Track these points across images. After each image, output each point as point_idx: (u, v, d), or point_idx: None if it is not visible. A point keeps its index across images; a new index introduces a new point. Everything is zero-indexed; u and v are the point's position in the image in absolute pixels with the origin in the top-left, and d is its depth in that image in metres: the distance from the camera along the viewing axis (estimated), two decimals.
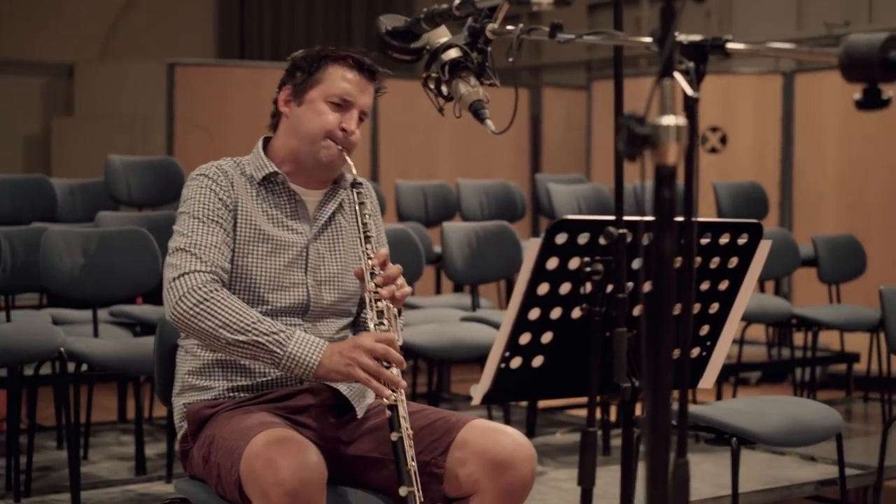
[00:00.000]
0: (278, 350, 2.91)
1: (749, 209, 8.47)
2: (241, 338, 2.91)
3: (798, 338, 7.47)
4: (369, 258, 3.07)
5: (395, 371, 2.92)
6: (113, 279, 5.19)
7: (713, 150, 9.51)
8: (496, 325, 5.58)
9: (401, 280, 3.08)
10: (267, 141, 3.25)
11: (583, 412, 6.74)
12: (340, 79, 3.14)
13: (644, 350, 1.80)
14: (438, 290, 8.11)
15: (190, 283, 2.96)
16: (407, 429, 2.87)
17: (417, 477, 2.84)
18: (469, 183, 8.51)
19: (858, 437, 6.41)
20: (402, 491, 2.80)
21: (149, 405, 6.45)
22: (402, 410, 2.88)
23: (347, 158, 3.15)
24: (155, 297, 6.55)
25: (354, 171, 3.17)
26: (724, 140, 9.52)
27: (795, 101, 9.49)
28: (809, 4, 11.12)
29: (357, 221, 3.16)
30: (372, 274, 3.04)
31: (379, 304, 3.02)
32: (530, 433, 6.04)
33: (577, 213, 7.80)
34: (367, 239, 3.10)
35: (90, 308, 5.28)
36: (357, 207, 3.16)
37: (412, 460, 2.84)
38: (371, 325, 3.00)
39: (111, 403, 6.73)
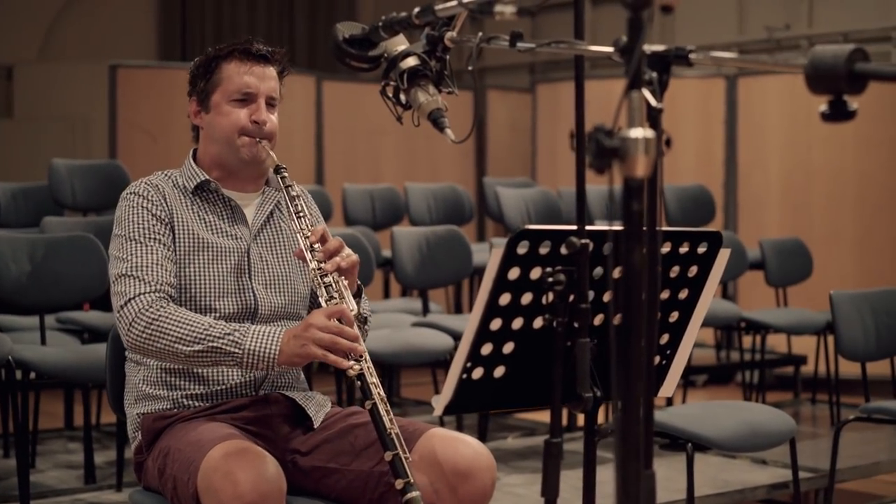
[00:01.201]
0: (236, 350, 2.88)
1: (695, 212, 8.51)
2: (198, 347, 2.88)
3: (746, 340, 7.52)
4: (306, 236, 3.04)
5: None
6: (60, 285, 5.13)
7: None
8: (447, 331, 5.58)
9: (346, 250, 3.04)
10: (195, 152, 3.23)
11: (532, 416, 6.75)
12: (235, 74, 3.14)
13: (613, 362, 1.79)
14: (387, 294, 8.10)
15: (137, 308, 2.93)
16: (379, 394, 2.83)
17: (401, 438, 2.80)
18: (417, 187, 8.50)
19: (807, 439, 6.45)
20: (388, 455, 2.77)
21: (96, 412, 6.38)
22: (370, 377, 2.85)
23: (269, 151, 3.13)
24: (102, 303, 6.45)
25: (276, 159, 3.14)
26: (668, 143, 9.54)
27: (738, 105, 9.55)
28: (750, 8, 11.21)
29: (285, 202, 3.14)
30: (312, 251, 3.01)
31: (326, 279, 2.98)
32: (482, 438, 6.03)
33: (525, 217, 7.81)
34: (300, 217, 3.08)
35: (37, 314, 5.22)
36: (284, 190, 3.14)
37: (392, 423, 2.80)
38: (322, 302, 2.98)
39: (57, 410, 6.64)
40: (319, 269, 2.99)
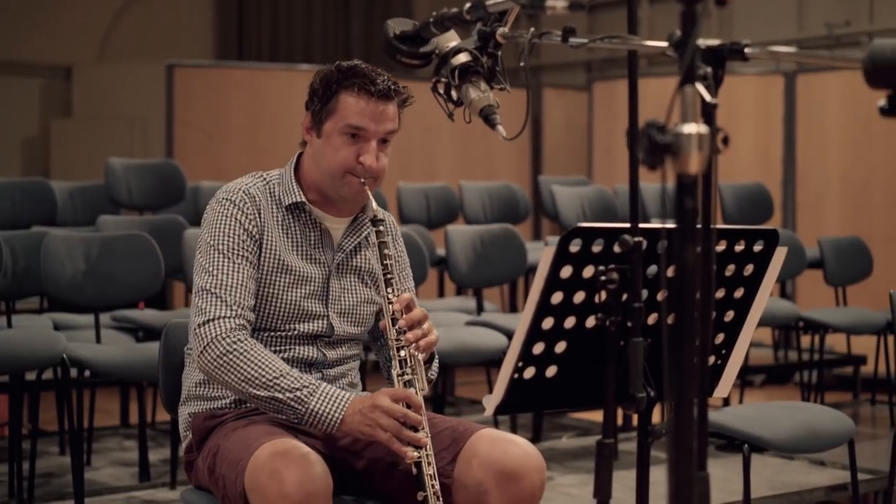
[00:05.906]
0: (300, 407, 2.86)
1: (753, 211, 8.42)
2: (263, 393, 2.86)
3: (804, 340, 7.43)
4: (390, 302, 2.97)
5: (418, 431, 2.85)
6: (115, 284, 5.16)
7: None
8: (502, 330, 5.55)
9: (427, 324, 2.97)
10: (299, 160, 3.14)
11: (588, 415, 6.71)
12: (353, 110, 3.01)
13: (666, 363, 1.76)
14: (441, 293, 8.08)
15: (215, 332, 2.90)
16: (433, 486, 2.80)
17: None
18: (472, 185, 8.47)
19: (867, 440, 6.35)
20: None
21: (151, 410, 6.41)
22: (427, 468, 2.82)
23: (369, 194, 3.04)
24: (157, 302, 6.50)
25: (375, 207, 3.06)
26: (725, 141, 9.46)
27: (797, 102, 9.45)
28: (810, 4, 11.08)
29: (378, 262, 3.05)
30: (394, 320, 2.95)
31: (401, 352, 2.92)
32: (536, 438, 6.01)
33: (581, 216, 7.77)
34: (389, 282, 2.99)
35: (92, 313, 5.25)
36: (377, 248, 3.05)
37: None
38: (393, 374, 2.93)
39: (113, 407, 6.68)
40: (398, 339, 2.93)
